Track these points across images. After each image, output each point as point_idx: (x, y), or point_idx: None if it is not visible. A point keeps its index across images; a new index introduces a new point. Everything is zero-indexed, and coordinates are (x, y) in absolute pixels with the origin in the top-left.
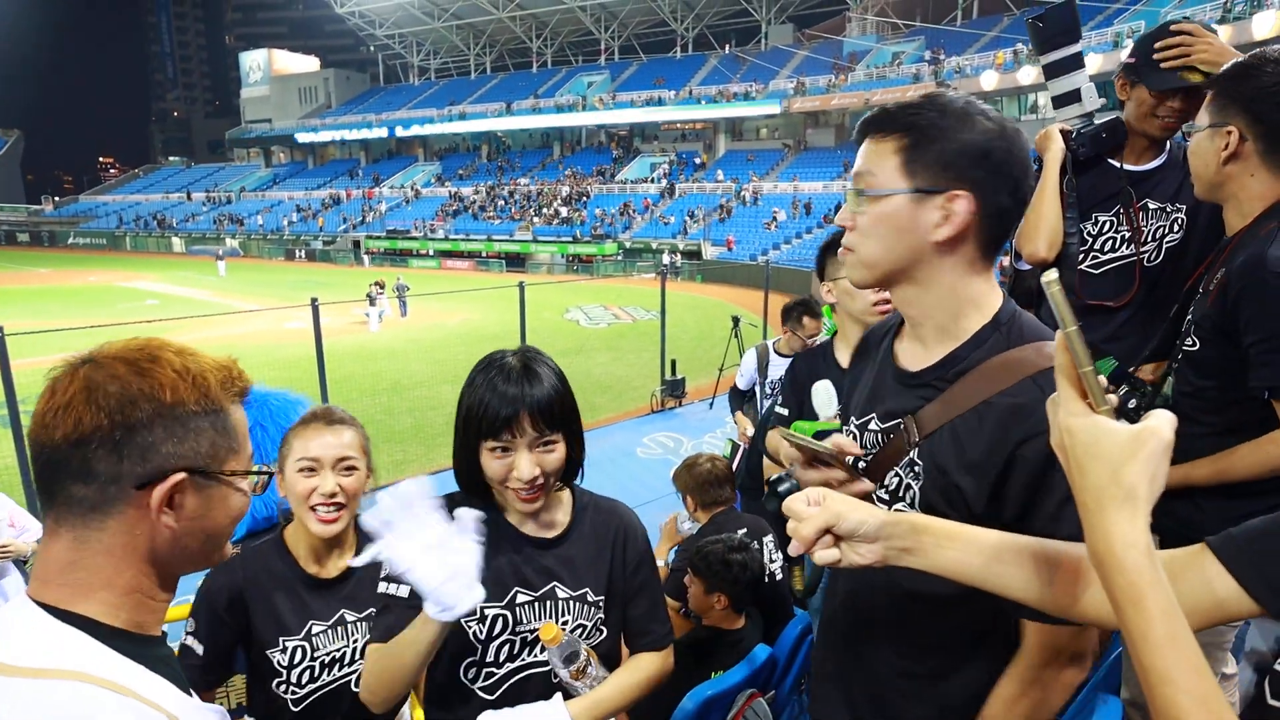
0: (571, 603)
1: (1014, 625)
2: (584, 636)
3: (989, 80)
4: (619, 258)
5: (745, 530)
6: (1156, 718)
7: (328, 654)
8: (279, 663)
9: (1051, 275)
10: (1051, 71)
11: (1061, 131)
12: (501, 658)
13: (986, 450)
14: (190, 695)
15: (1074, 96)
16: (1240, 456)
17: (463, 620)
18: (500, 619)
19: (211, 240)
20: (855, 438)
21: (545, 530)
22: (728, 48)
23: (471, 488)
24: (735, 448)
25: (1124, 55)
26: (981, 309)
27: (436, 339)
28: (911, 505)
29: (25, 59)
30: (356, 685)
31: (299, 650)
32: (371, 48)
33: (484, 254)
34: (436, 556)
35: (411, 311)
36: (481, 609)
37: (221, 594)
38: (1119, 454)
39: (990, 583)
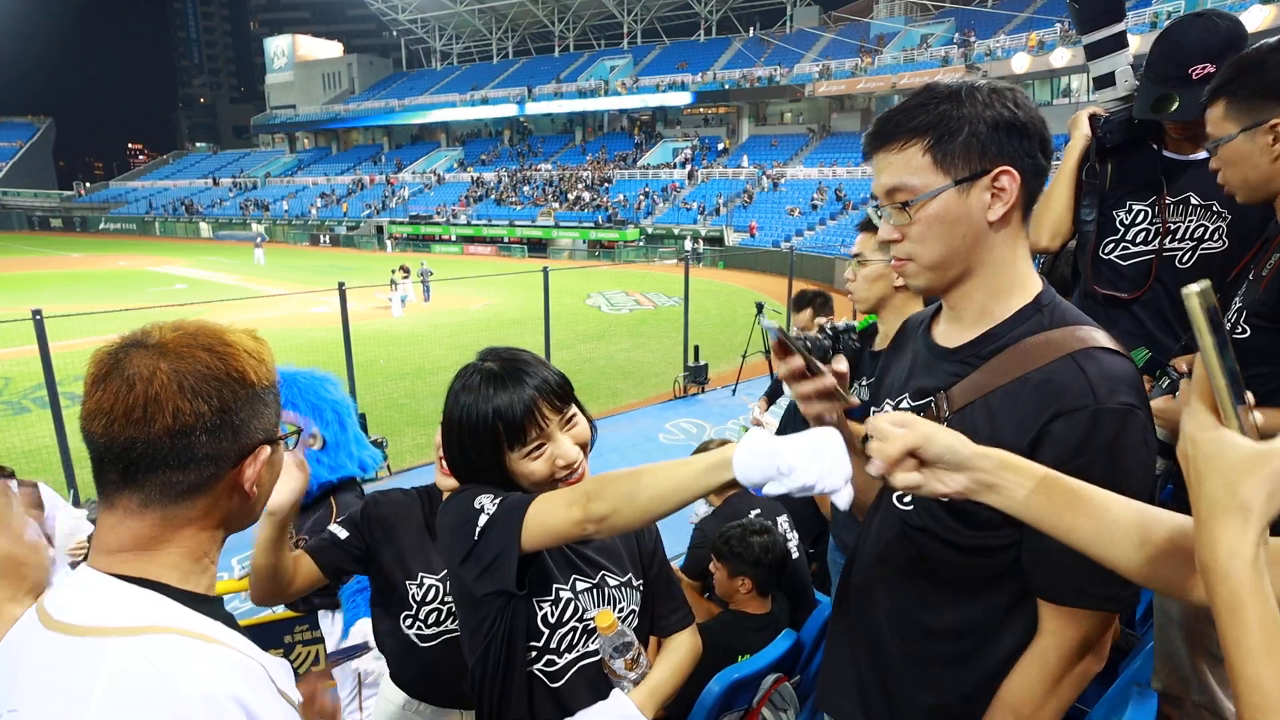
0: (622, 589)
1: (1029, 614)
2: (632, 624)
3: (1020, 63)
4: (641, 243)
5: (759, 511)
6: (1241, 718)
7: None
8: (413, 596)
9: (1194, 288)
10: (1092, 52)
11: (1091, 116)
12: (563, 646)
13: (1017, 425)
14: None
15: (1110, 79)
16: None
17: (536, 600)
18: (571, 604)
19: (239, 225)
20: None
21: None
22: (752, 30)
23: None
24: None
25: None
26: (1024, 290)
27: (459, 324)
28: None
29: (55, 47)
30: None
31: (434, 589)
32: (394, 32)
33: (506, 239)
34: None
35: (435, 296)
36: (557, 590)
37: (364, 515)
38: (1239, 468)
39: (1088, 544)
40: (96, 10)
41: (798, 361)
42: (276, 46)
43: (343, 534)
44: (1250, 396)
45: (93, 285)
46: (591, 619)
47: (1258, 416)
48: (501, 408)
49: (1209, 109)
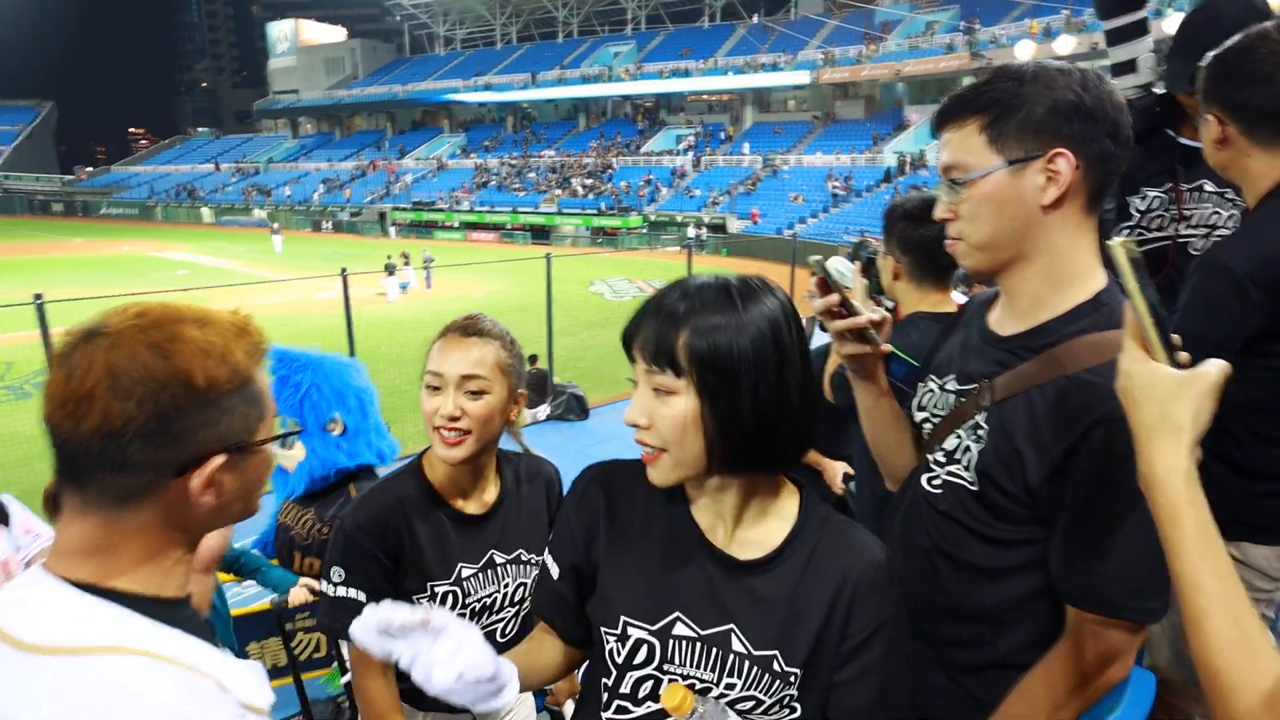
0: (747, 663)
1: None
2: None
3: (1024, 50)
4: (644, 230)
5: None
6: (1186, 619)
7: (479, 600)
8: None
9: (1117, 240)
10: (1113, 38)
11: None
12: (641, 694)
13: (1058, 425)
14: (221, 650)
15: (1131, 66)
16: None
17: (605, 630)
18: (645, 646)
19: (241, 211)
20: (933, 394)
21: (744, 550)
22: (756, 17)
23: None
24: None
25: (1165, 25)
26: (1085, 285)
27: (462, 310)
28: (966, 469)
29: (56, 30)
30: (503, 635)
31: (450, 596)
32: (398, 17)
33: (509, 226)
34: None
35: (437, 283)
36: (625, 623)
37: (371, 524)
38: (1168, 394)
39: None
40: None
41: (835, 298)
42: (279, 31)
43: (360, 595)
44: (1177, 338)
45: (95, 270)
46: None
47: (1184, 355)
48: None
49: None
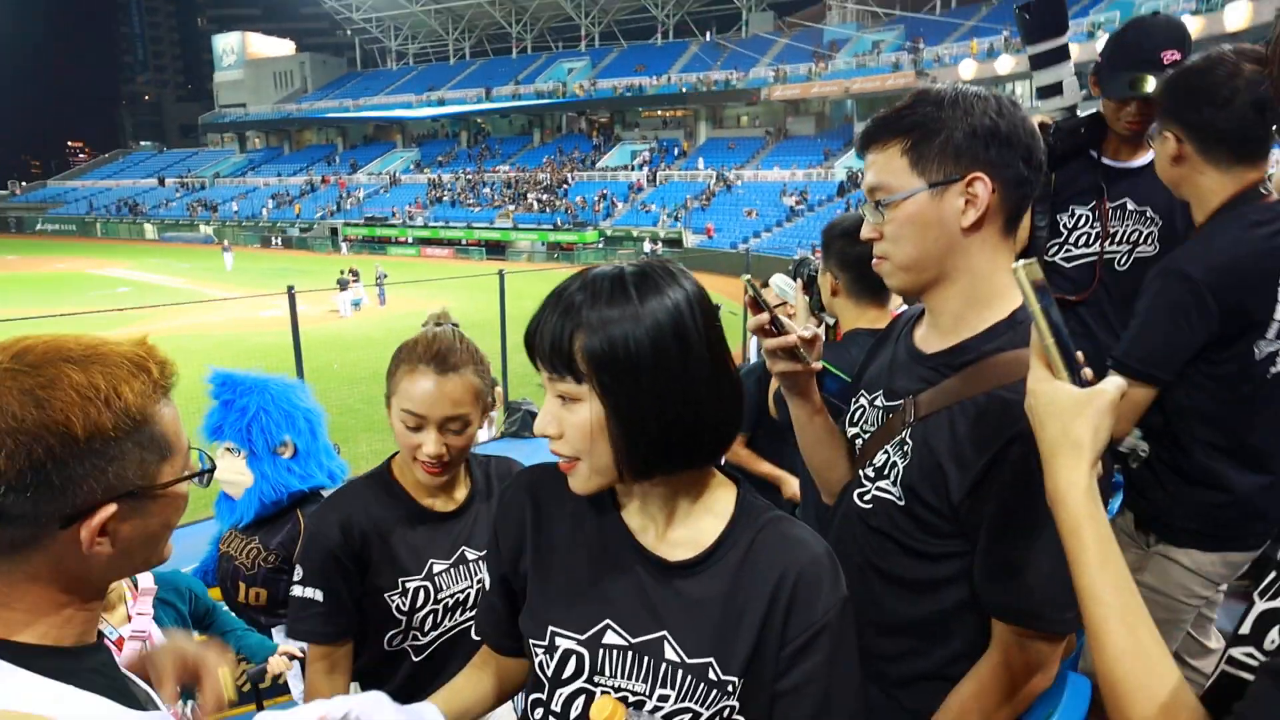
0: (680, 671)
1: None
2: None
3: (967, 69)
4: (600, 245)
5: None
6: (1086, 629)
7: (451, 595)
8: (399, 608)
9: (1019, 264)
10: (1037, 63)
11: (1040, 125)
12: (573, 712)
13: (977, 441)
14: (130, 708)
15: (1057, 89)
16: None
17: (533, 642)
18: (574, 657)
19: (185, 227)
20: (864, 410)
21: (675, 550)
22: (709, 34)
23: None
24: None
25: (1099, 46)
26: (1003, 304)
27: (416, 327)
28: (895, 484)
29: None
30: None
31: (421, 592)
32: (348, 31)
33: (464, 241)
34: None
35: (390, 299)
36: (554, 634)
37: (332, 530)
38: (1070, 412)
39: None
40: (34, 4)
41: (765, 317)
42: (226, 44)
43: (316, 594)
44: (1080, 355)
45: (29, 289)
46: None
47: (1087, 371)
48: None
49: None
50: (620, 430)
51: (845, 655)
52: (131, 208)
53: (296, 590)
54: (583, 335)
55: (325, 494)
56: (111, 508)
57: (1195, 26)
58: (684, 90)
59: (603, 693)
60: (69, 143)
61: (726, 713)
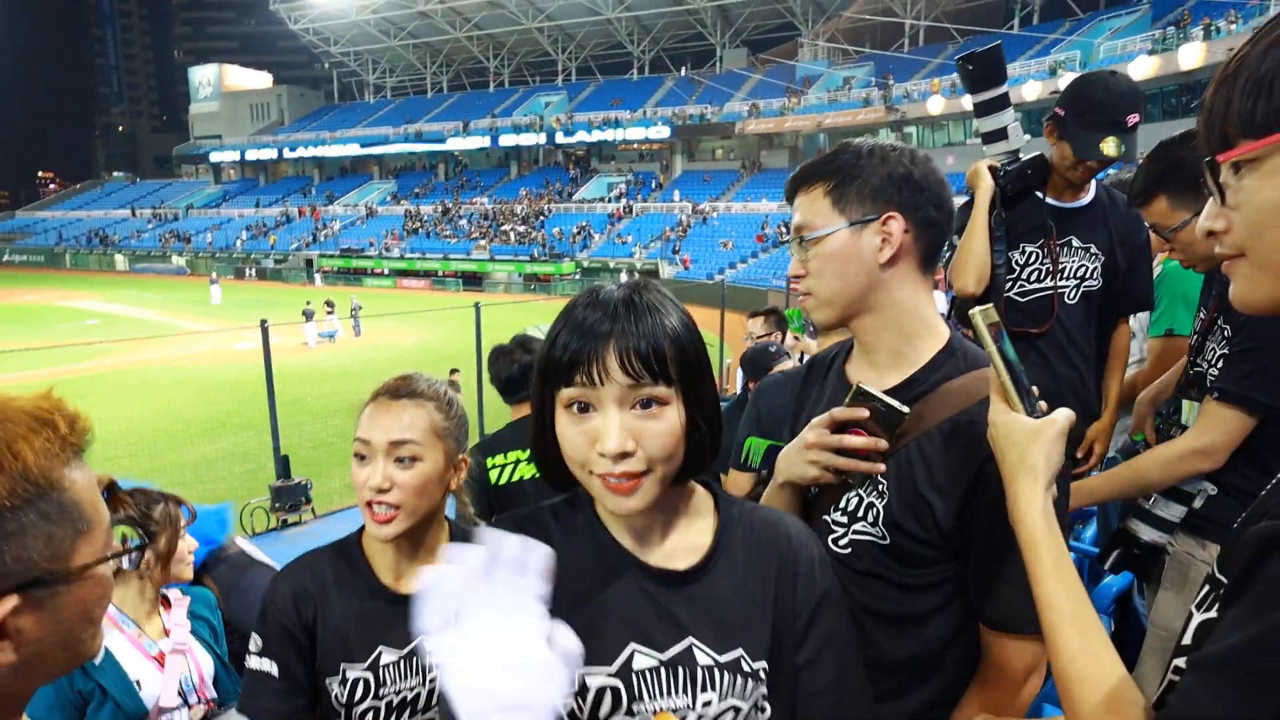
0: (716, 672)
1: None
2: None
3: (935, 105)
4: (576, 277)
5: None
6: (1044, 632)
7: (397, 692)
8: (336, 697)
9: (976, 310)
10: (981, 110)
11: (990, 168)
12: None
13: (954, 467)
14: None
15: (1002, 134)
16: (1144, 468)
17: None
18: (609, 693)
19: (158, 258)
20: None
21: (674, 558)
22: (684, 70)
23: (559, 481)
24: None
25: (1061, 83)
26: (935, 335)
27: (391, 359)
28: (874, 524)
29: None
30: None
31: (360, 684)
32: (326, 65)
33: (440, 273)
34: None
35: (366, 331)
36: (582, 677)
37: (287, 598)
38: (1025, 440)
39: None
40: (6, 35)
41: (863, 414)
42: (202, 76)
43: (272, 667)
44: (1035, 389)
45: None
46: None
47: (1043, 404)
48: (565, 335)
49: (1152, 202)
50: (694, 432)
51: (845, 616)
52: (102, 238)
53: (252, 661)
54: (669, 337)
55: (226, 548)
56: (11, 600)
57: (1151, 66)
58: (660, 123)
59: (655, 713)
60: (40, 173)
61: (758, 701)
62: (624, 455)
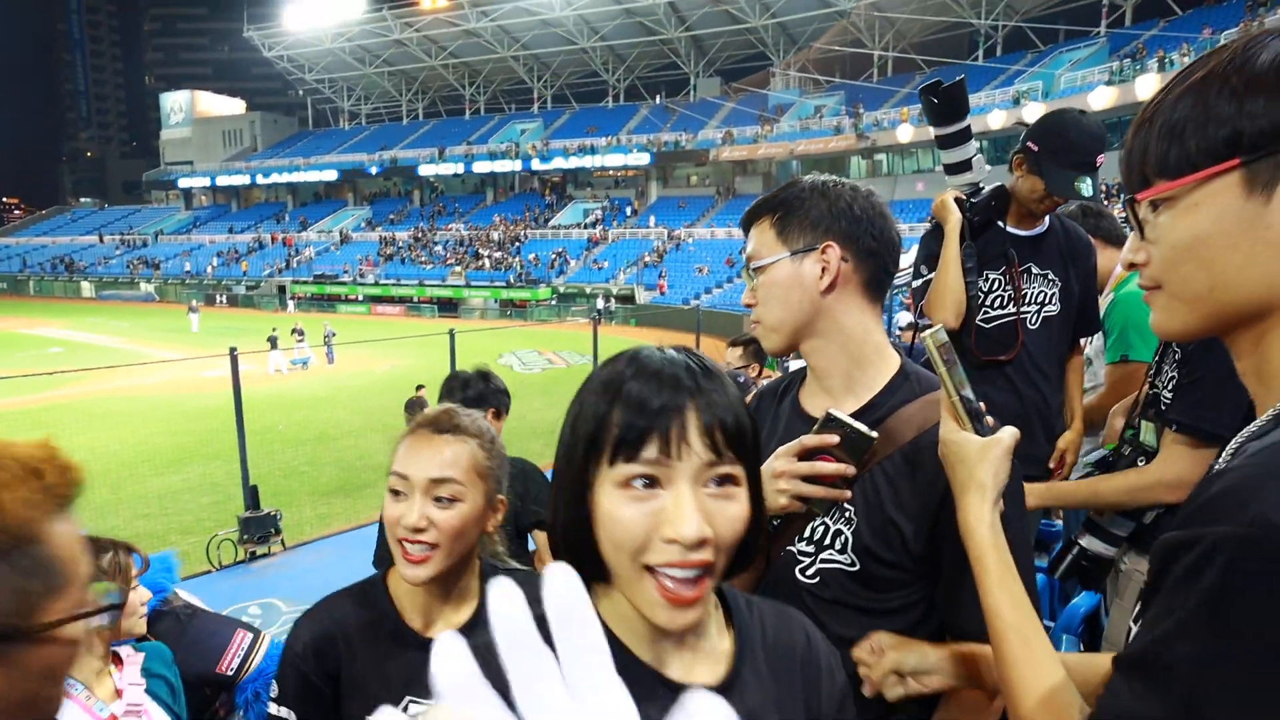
0: None
1: None
2: None
3: (905, 133)
4: (552, 302)
5: None
6: (990, 639)
7: None
8: None
9: (927, 333)
10: (945, 143)
11: (956, 200)
12: None
13: (921, 489)
14: None
15: (966, 166)
16: (1105, 488)
17: None
18: None
19: (125, 285)
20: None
21: (695, 670)
22: (658, 98)
23: (583, 563)
24: None
25: (1024, 113)
26: (886, 360)
27: (364, 386)
28: (843, 551)
29: None
30: None
31: None
32: (300, 92)
33: (415, 299)
34: None
35: (339, 358)
36: None
37: (308, 645)
38: (974, 458)
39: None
40: None
41: (833, 440)
42: (174, 102)
43: (291, 715)
44: (983, 406)
45: None
46: None
47: (990, 420)
48: (633, 397)
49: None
50: (757, 518)
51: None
52: (68, 265)
53: (272, 708)
54: (744, 410)
55: (170, 600)
56: None
57: (1110, 97)
58: (636, 150)
59: None
60: (3, 199)
61: None
62: (701, 543)
